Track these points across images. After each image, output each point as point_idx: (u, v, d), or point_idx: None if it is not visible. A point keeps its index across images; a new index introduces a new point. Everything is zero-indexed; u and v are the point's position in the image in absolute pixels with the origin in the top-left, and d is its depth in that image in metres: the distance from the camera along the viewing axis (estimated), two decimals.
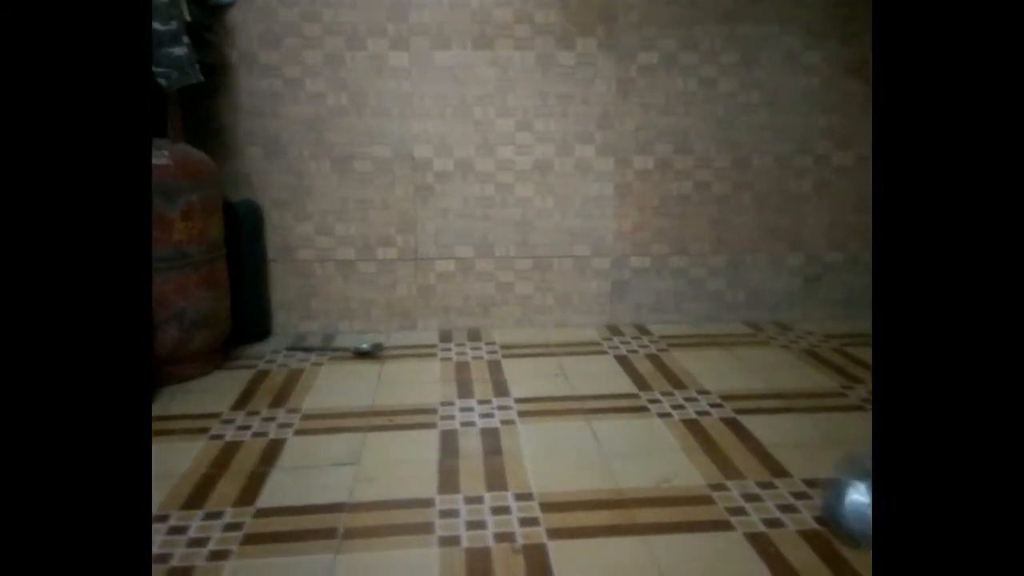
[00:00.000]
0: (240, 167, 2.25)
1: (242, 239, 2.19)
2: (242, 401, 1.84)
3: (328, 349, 2.21)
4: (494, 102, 2.27)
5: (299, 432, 1.66)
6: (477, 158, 2.30)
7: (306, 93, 2.22)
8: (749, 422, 1.68)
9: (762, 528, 1.26)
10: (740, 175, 2.36)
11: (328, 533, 1.26)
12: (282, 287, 2.33)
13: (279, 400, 1.84)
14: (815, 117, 2.33)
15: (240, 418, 1.73)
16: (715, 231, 2.39)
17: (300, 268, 2.32)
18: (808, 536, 1.23)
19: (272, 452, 1.56)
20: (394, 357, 2.15)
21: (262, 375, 2.01)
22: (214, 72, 2.13)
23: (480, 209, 2.33)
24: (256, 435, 1.64)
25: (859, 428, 1.65)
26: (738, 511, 1.31)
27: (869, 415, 1.71)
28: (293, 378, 1.99)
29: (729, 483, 1.41)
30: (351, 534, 1.26)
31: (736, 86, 2.30)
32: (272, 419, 1.73)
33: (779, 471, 1.46)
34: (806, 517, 1.29)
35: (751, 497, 1.36)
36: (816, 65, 2.30)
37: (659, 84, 2.29)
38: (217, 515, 1.32)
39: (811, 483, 1.40)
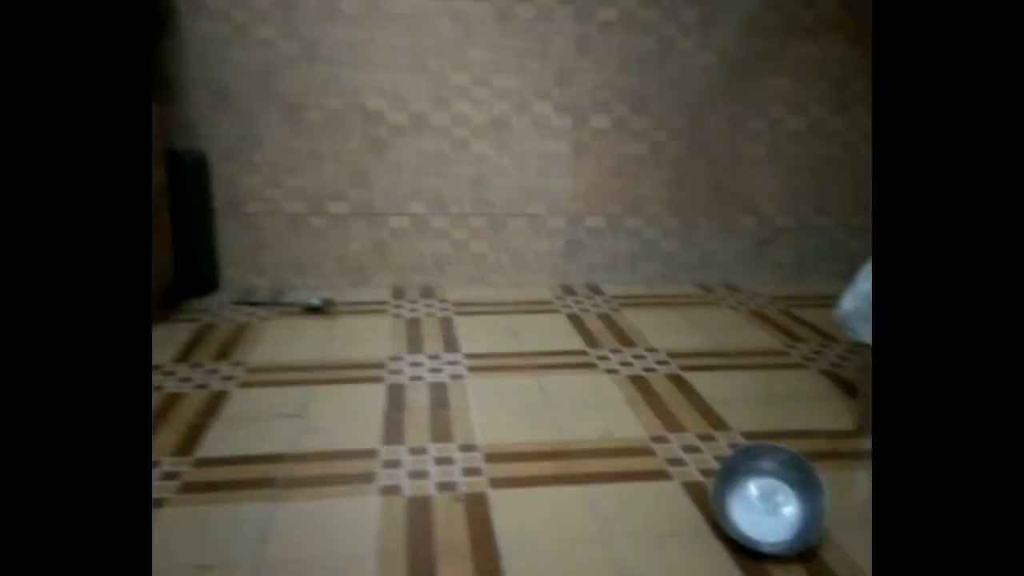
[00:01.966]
0: (185, 115, 2.17)
1: (187, 189, 2.12)
2: (185, 353, 1.80)
3: (277, 304, 2.17)
4: (450, 55, 2.22)
5: (243, 385, 1.63)
6: (432, 112, 2.26)
7: (255, 39, 2.14)
8: (693, 378, 1.71)
9: (699, 478, 1.29)
10: (695, 137, 2.36)
11: (268, 482, 1.25)
12: (230, 240, 2.28)
13: (224, 353, 1.81)
14: (770, 80, 2.34)
15: (182, 370, 1.70)
16: (669, 192, 2.40)
17: (248, 221, 2.27)
18: None
19: (214, 404, 1.53)
20: (345, 313, 2.13)
21: (207, 328, 1.97)
22: (159, 15, 2.04)
23: (435, 165, 2.30)
24: (198, 387, 1.61)
25: (799, 384, 1.69)
26: (676, 462, 1.34)
27: (809, 372, 1.75)
28: (239, 332, 1.95)
29: (670, 435, 1.44)
30: (292, 483, 1.25)
31: (693, 46, 2.28)
32: (215, 371, 1.70)
33: (719, 424, 1.49)
34: None
35: (690, 449, 1.39)
36: (773, 28, 2.30)
37: (617, 42, 2.26)
38: (154, 464, 1.29)
39: (749, 436, 1.44)
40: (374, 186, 2.29)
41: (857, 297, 1.44)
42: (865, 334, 1.42)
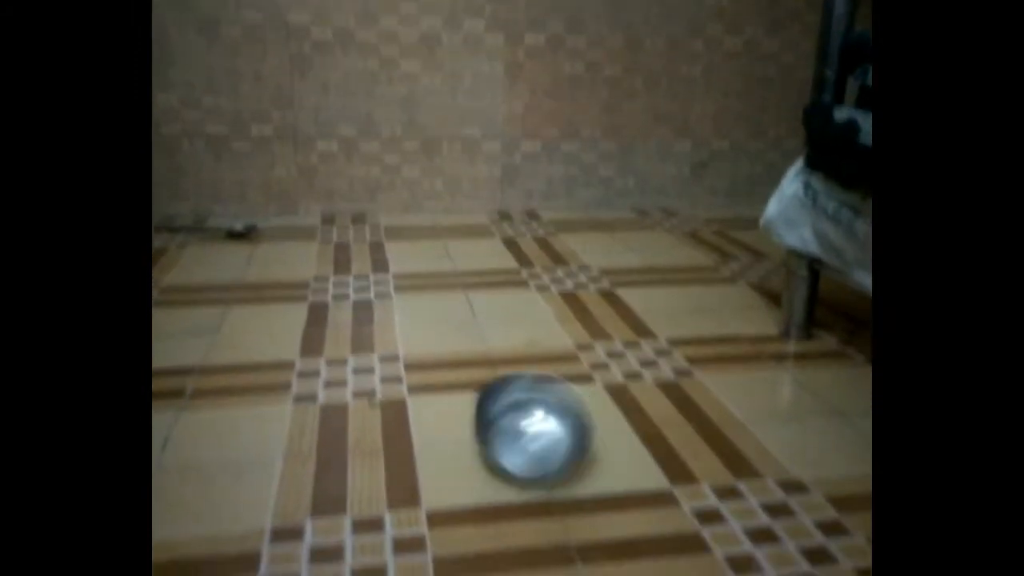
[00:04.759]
0: None
1: None
2: None
3: (198, 230, 2.08)
4: None
5: (154, 305, 1.56)
6: (358, 28, 2.15)
7: None
8: (624, 293, 1.70)
9: (621, 380, 1.28)
10: (631, 57, 2.31)
11: (174, 394, 1.19)
12: None
13: None
14: None
15: None
16: (606, 115, 2.36)
17: (165, 144, 2.14)
18: (664, 387, 1.26)
19: None
20: (270, 239, 2.05)
21: None
22: None
23: (363, 85, 2.20)
24: None
25: (727, 297, 1.69)
26: (601, 367, 1.33)
27: (738, 286, 1.76)
28: (155, 256, 1.86)
29: (596, 343, 1.42)
30: (200, 395, 1.20)
31: None
32: None
33: (645, 332, 1.48)
34: (665, 371, 1.32)
35: (615, 355, 1.38)
36: None
37: None
38: None
39: (674, 342, 1.43)
40: (299, 107, 2.19)
41: (781, 201, 1.43)
42: (788, 238, 1.42)
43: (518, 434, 1.03)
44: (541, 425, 1.05)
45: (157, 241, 1.98)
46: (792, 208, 1.40)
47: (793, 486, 1.00)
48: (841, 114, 1.27)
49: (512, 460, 1.00)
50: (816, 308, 1.47)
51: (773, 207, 1.45)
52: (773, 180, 2.50)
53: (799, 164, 1.42)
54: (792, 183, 1.41)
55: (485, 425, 1.03)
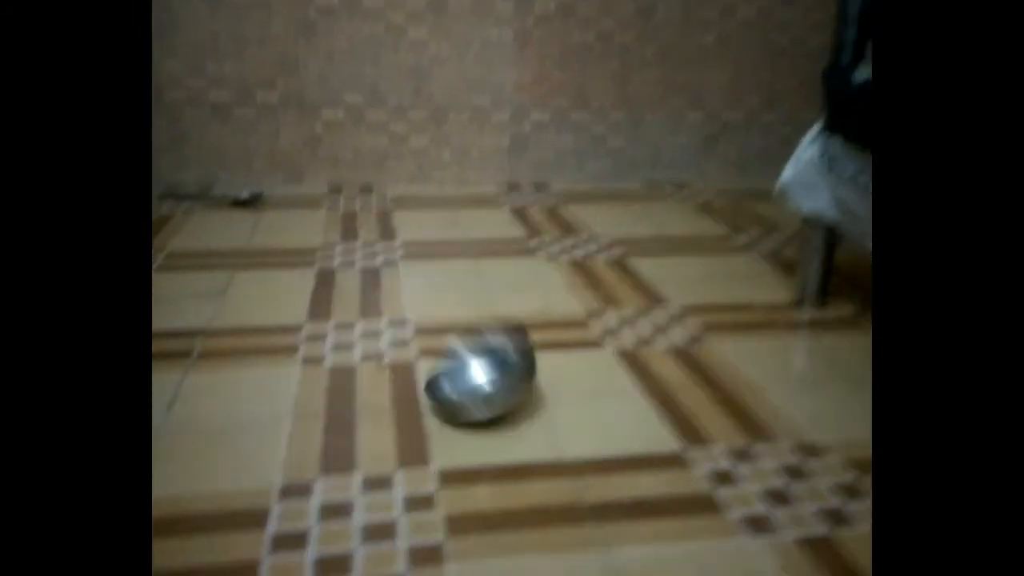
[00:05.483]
0: None
1: None
2: None
3: (203, 197, 2.05)
4: None
5: (159, 269, 1.54)
6: None
7: None
8: (635, 262, 1.67)
9: (633, 345, 1.26)
10: (644, 25, 2.27)
11: (179, 355, 1.18)
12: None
13: None
14: None
15: None
16: (617, 85, 2.32)
17: (169, 111, 2.12)
18: (677, 352, 1.24)
19: None
20: (276, 207, 2.02)
21: None
22: None
23: (369, 52, 2.17)
24: None
25: (740, 266, 1.67)
26: (612, 332, 1.31)
27: (751, 256, 1.73)
28: (160, 223, 1.84)
29: (607, 310, 1.41)
30: (206, 356, 1.19)
31: None
32: None
33: (657, 299, 1.46)
34: (677, 337, 1.30)
35: (626, 321, 1.36)
36: None
37: None
38: None
39: (687, 309, 1.41)
40: (304, 74, 2.15)
41: (797, 166, 1.40)
42: (805, 204, 1.39)
43: (476, 391, 1.02)
44: (483, 377, 1.04)
45: (162, 208, 1.96)
46: (808, 173, 1.37)
47: (808, 449, 0.98)
48: (860, 75, 1.24)
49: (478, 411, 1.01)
50: (831, 278, 1.45)
51: (788, 172, 1.42)
52: (786, 153, 2.45)
53: (816, 129, 1.39)
54: (808, 148, 1.38)
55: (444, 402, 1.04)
